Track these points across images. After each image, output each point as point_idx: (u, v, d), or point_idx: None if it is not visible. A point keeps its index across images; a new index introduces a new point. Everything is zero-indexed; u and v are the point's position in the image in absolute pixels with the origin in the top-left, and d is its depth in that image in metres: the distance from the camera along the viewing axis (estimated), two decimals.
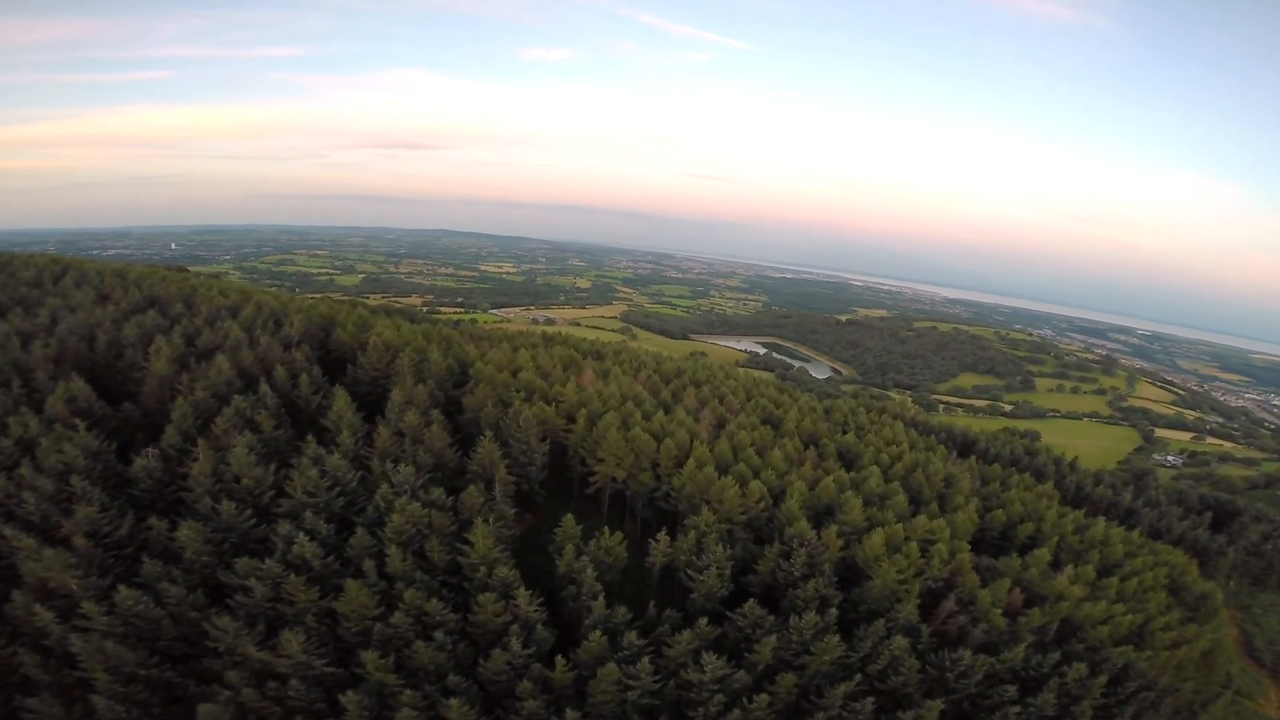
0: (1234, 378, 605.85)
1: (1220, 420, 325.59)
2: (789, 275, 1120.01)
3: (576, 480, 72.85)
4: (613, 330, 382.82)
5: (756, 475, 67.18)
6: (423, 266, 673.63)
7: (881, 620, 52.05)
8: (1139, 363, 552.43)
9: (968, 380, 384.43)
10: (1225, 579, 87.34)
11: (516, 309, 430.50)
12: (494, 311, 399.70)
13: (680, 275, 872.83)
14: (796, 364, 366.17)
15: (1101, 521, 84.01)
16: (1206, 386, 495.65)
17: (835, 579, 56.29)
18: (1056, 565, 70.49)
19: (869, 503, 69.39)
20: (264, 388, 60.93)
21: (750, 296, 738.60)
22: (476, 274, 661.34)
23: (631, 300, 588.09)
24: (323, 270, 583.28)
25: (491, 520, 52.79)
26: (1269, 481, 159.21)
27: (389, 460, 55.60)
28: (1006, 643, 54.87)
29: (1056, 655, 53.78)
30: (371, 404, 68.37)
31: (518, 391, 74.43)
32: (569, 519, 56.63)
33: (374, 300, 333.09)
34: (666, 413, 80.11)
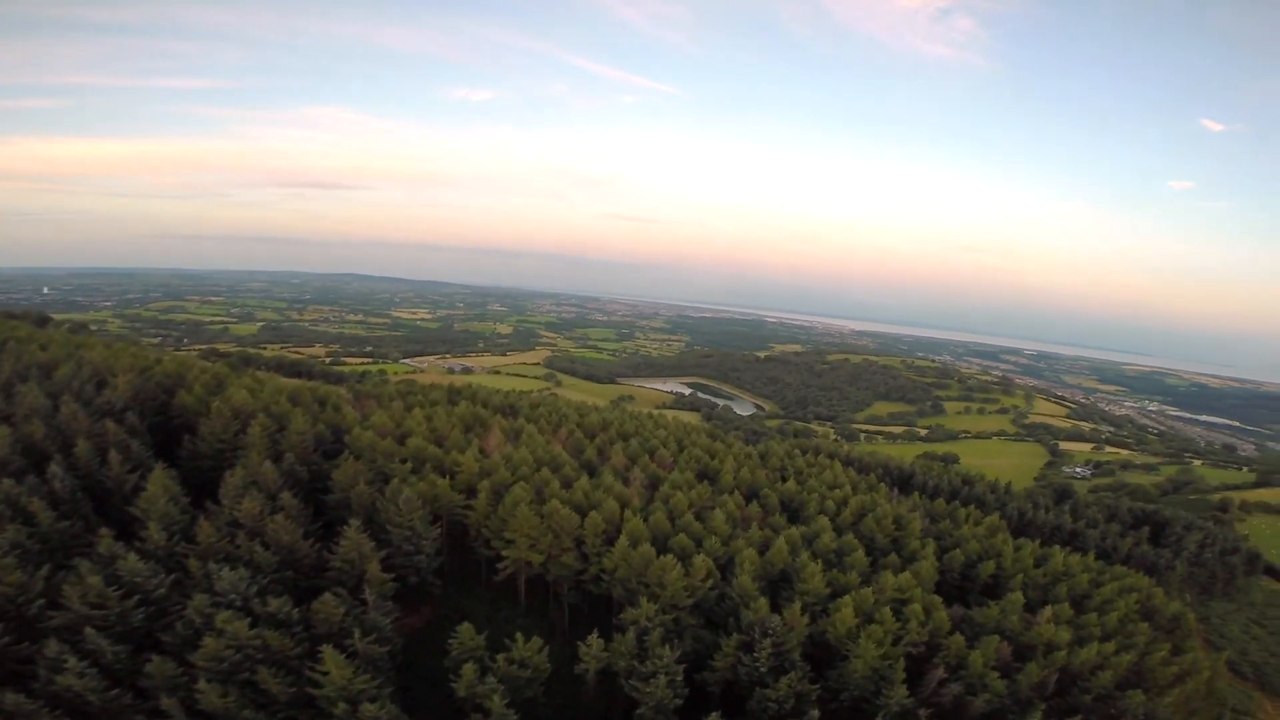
0: (1112, 389, 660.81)
1: (1111, 429, 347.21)
2: (709, 314, 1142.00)
3: (484, 563, 59.75)
4: (536, 377, 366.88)
5: (699, 546, 56.55)
6: (330, 313, 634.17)
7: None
8: (1030, 381, 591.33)
9: (882, 408, 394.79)
10: (1179, 594, 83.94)
11: (431, 358, 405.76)
12: (406, 361, 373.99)
13: (605, 318, 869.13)
14: (721, 402, 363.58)
15: (1058, 550, 78.65)
16: (1091, 399, 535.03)
17: (807, 666, 46.21)
18: (1029, 605, 63.77)
19: (828, 564, 60.22)
20: (53, 468, 46.37)
21: (673, 337, 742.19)
22: (389, 321, 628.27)
23: (555, 345, 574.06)
24: (216, 318, 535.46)
25: (358, 636, 39.54)
26: (1176, 486, 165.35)
27: (212, 560, 41.46)
28: (1013, 711, 46.39)
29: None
30: (213, 485, 53.47)
31: (403, 462, 61.08)
32: (466, 629, 43.77)
33: (270, 351, 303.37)
34: (591, 476, 68.56)
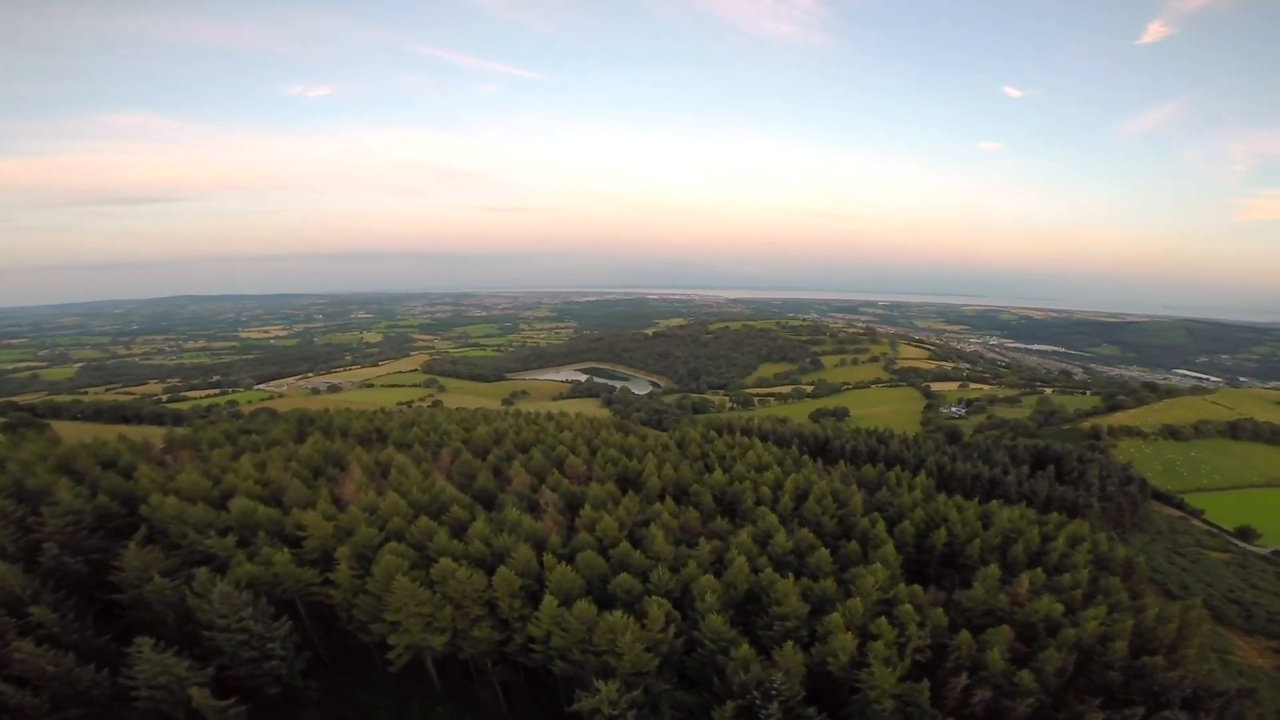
0: (956, 328, 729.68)
1: (969, 366, 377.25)
2: (594, 298, 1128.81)
3: (376, 645, 43.83)
4: (415, 385, 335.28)
5: (645, 582, 44.06)
6: (164, 343, 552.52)
7: None
8: (889, 329, 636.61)
9: (767, 370, 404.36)
10: (1107, 533, 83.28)
11: (290, 379, 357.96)
12: (261, 386, 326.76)
13: (485, 313, 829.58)
14: (618, 384, 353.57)
15: (997, 506, 74.79)
16: (943, 339, 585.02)
17: (816, 711, 35.73)
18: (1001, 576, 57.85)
19: (793, 571, 50.13)
20: None
21: (560, 324, 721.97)
22: (237, 343, 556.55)
23: (433, 348, 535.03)
24: (21, 364, 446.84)
25: None
26: (1046, 417, 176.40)
27: None
28: (1057, 708, 38.85)
29: (1140, 711, 38.30)
30: None
31: (223, 535, 43.30)
32: None
33: (91, 395, 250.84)
34: (490, 509, 53.70)
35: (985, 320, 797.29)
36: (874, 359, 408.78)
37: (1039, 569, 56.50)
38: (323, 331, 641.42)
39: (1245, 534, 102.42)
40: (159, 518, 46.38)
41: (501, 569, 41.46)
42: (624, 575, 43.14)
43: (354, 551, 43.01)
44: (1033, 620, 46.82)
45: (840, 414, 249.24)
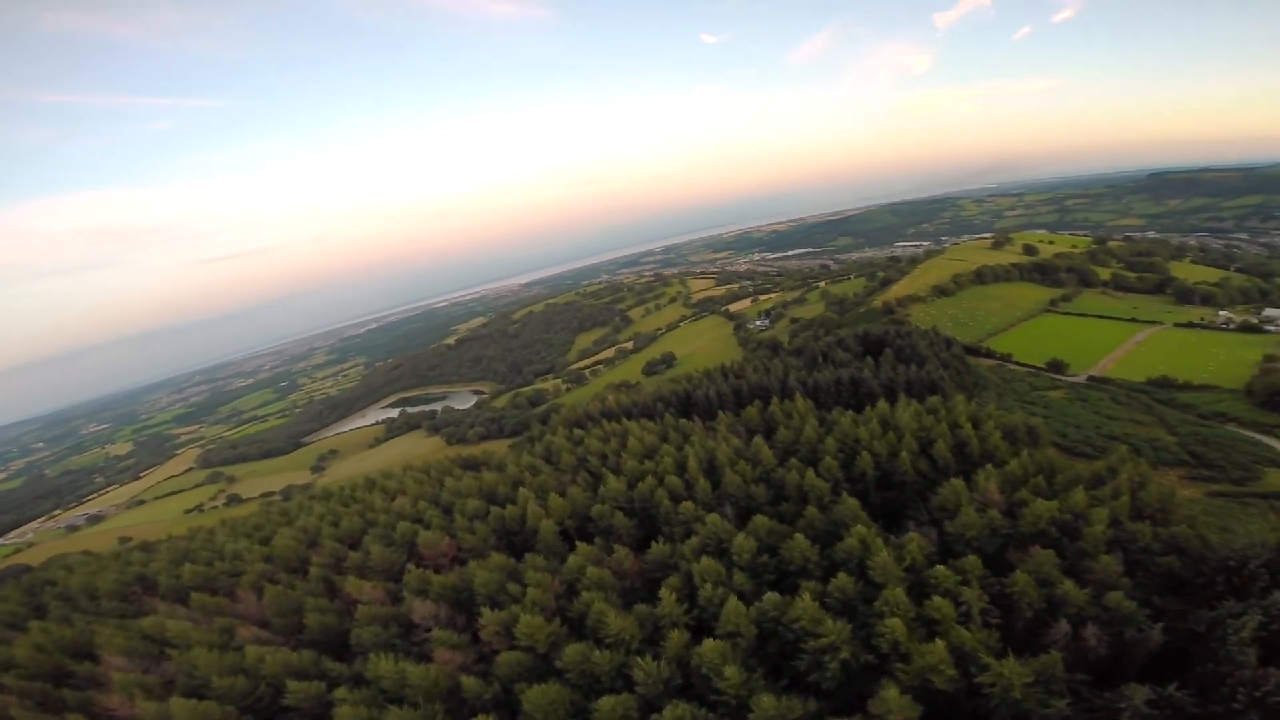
0: (723, 254, 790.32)
1: (750, 281, 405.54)
2: (374, 325, 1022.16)
3: None
4: (197, 486, 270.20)
5: (633, 689, 29.36)
6: None
7: None
8: (673, 270, 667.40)
9: (584, 340, 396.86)
10: (984, 403, 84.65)
11: (35, 523, 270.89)
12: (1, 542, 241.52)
13: (250, 381, 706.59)
14: (437, 406, 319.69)
15: (887, 408, 71.65)
16: (718, 265, 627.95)
17: None
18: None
19: (768, 574, 38.94)
20: None
21: (346, 365, 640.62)
22: None
23: (202, 437, 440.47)
24: None
25: None
26: (841, 307, 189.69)
27: None
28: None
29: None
30: None
31: None
32: None
33: None
34: (342, 657, 34.27)
35: (744, 241, 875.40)
36: (673, 300, 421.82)
37: (988, 465, 52.10)
38: (52, 461, 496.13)
39: (1057, 367, 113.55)
40: None
41: None
42: (606, 702, 27.90)
43: None
44: (1041, 528, 41.12)
45: (669, 359, 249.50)
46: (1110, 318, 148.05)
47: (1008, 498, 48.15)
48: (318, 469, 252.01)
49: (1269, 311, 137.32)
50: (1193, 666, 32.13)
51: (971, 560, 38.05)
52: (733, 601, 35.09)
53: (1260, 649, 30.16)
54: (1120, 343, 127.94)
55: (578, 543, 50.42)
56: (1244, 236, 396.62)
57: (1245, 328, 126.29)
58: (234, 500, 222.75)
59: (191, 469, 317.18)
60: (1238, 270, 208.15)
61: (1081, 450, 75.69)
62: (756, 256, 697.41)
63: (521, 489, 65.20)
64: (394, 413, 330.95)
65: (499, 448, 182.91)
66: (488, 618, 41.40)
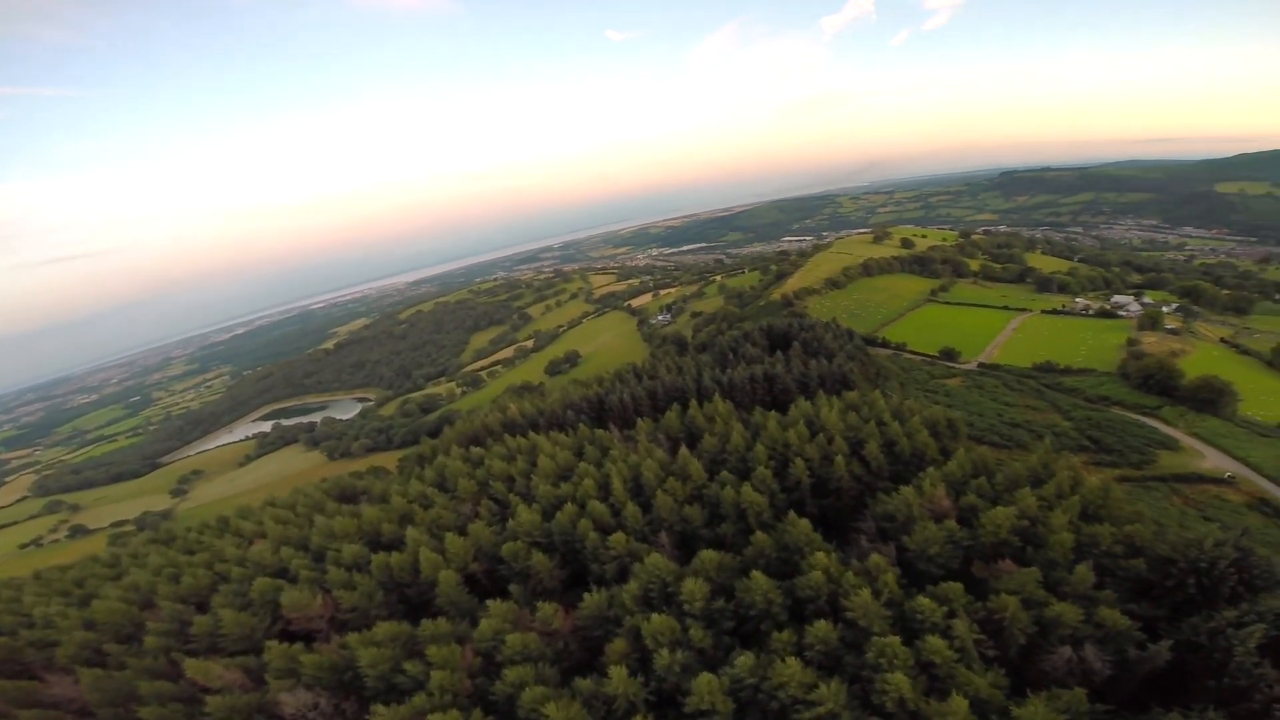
0: (622, 249, 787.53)
1: (649, 276, 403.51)
2: (240, 330, 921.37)
3: None
4: (32, 517, 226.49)
5: None
6: None
7: None
8: (573, 265, 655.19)
9: (480, 339, 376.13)
10: (894, 395, 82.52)
11: None
12: None
13: (95, 396, 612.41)
14: (316, 417, 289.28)
15: (809, 406, 67.78)
16: (620, 261, 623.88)
17: None
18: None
19: (728, 620, 32.25)
20: None
21: (209, 375, 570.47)
22: None
23: (38, 462, 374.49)
24: None
25: None
26: (740, 300, 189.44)
27: None
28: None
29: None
30: None
31: None
32: None
33: None
34: None
35: (641, 237, 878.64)
36: (573, 296, 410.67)
37: (930, 469, 48.60)
38: None
39: (950, 355, 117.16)
40: None
41: None
42: None
43: None
44: (1003, 537, 37.37)
45: (573, 358, 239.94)
46: (986, 306, 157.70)
47: (955, 503, 45.00)
48: (179, 492, 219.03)
49: (1118, 298, 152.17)
50: (1196, 680, 29.57)
51: (954, 586, 33.62)
52: (704, 677, 27.98)
53: (1270, 657, 27.88)
54: (999, 330, 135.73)
55: (491, 598, 41.10)
56: (1079, 230, 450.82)
57: (1102, 313, 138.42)
58: (79, 531, 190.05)
59: (25, 498, 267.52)
60: (1080, 261, 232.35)
61: (989, 439, 76.65)
62: (655, 252, 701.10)
63: (410, 528, 54.18)
64: (266, 426, 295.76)
65: (389, 461, 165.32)
66: (383, 717, 31.48)
